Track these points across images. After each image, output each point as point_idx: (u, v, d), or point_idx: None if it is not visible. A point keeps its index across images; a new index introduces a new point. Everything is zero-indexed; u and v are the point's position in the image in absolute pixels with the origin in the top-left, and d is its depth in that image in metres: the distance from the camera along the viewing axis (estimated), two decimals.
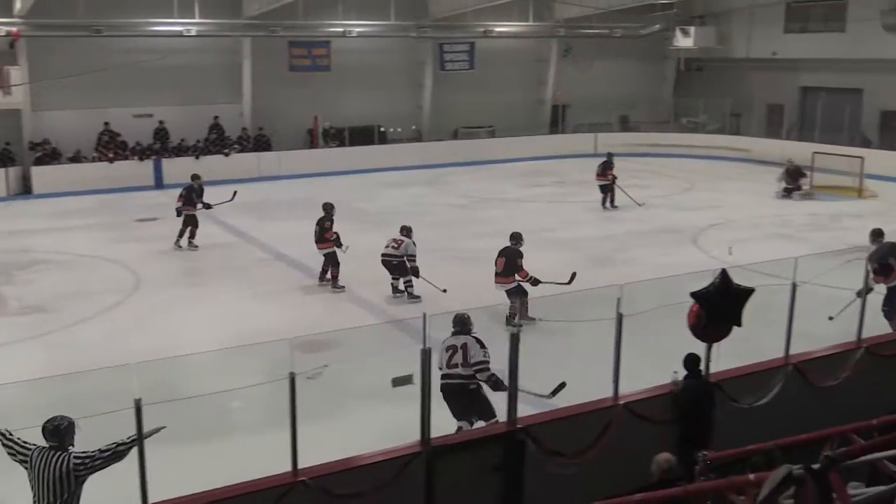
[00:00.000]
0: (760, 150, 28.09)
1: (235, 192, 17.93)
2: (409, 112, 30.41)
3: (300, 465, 6.57)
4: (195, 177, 17.91)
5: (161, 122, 26.30)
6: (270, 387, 6.59)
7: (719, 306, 7.60)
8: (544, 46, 32.34)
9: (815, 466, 3.52)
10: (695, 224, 19.28)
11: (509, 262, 12.26)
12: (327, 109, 28.36)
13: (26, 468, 5.90)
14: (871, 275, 10.61)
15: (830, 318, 9.85)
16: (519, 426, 7.44)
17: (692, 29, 30.83)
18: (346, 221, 15.79)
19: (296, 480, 6.49)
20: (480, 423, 8.30)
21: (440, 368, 8.48)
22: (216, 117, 27.10)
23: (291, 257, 16.52)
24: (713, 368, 8.22)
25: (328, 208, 14.80)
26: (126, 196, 23.28)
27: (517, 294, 12.09)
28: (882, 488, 3.78)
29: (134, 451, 5.89)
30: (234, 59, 27.19)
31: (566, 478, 7.21)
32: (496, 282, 12.33)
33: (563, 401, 8.22)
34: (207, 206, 17.47)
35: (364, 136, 29.01)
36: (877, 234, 11.76)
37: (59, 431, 5.85)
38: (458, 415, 8.37)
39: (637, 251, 16.82)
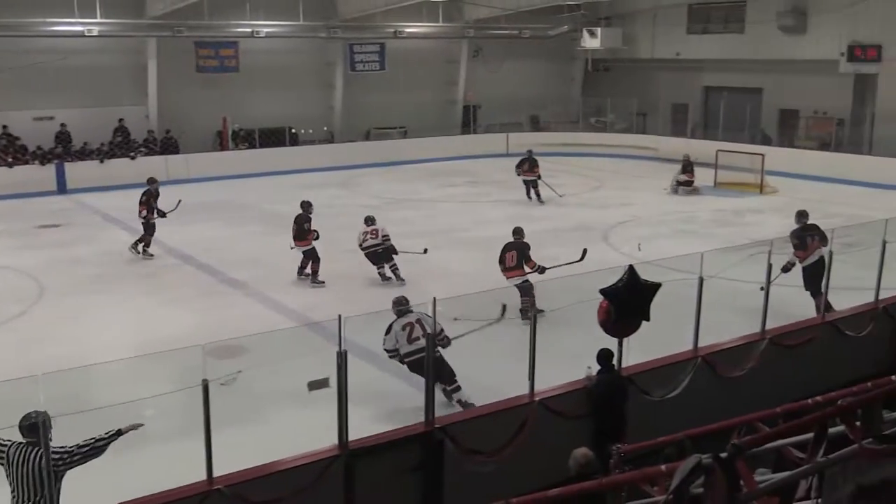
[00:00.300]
0: (666, 149, 28.64)
1: (180, 201, 17.16)
2: (320, 113, 30.16)
3: (216, 473, 6.46)
4: (151, 180, 16.91)
5: (63, 125, 25.48)
6: (183, 394, 6.46)
7: (628, 302, 7.79)
8: (454, 47, 32.51)
9: (723, 455, 3.62)
10: (605, 221, 19.61)
11: (521, 254, 12.37)
12: (236, 111, 27.88)
13: (2, 464, 5.83)
14: (793, 250, 11.90)
15: (762, 289, 10.27)
16: (437, 426, 7.47)
17: (599, 30, 31.37)
18: (259, 224, 15.59)
19: (211, 489, 6.39)
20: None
21: (392, 349, 9.05)
22: (121, 119, 26.38)
23: (200, 261, 16.20)
24: (625, 363, 8.40)
25: (306, 206, 14.69)
26: (27, 202, 22.42)
27: (528, 286, 12.17)
28: (787, 473, 3.89)
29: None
30: (139, 59, 26.51)
31: (485, 476, 7.27)
32: (508, 276, 12.36)
33: (481, 399, 8.29)
34: (162, 215, 16.73)
35: (275, 137, 28.68)
36: (801, 215, 12.63)
37: (36, 427, 5.77)
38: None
39: (552, 249, 16.99)
